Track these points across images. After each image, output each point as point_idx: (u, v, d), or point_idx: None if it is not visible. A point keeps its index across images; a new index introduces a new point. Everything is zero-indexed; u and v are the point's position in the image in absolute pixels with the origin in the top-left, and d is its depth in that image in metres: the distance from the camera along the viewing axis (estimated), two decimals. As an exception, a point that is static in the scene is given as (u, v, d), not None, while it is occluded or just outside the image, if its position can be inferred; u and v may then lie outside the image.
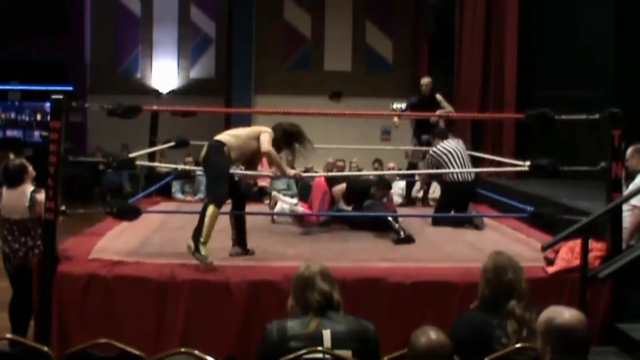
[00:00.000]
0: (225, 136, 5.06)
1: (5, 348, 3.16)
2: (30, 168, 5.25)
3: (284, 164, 5.33)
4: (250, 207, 7.99)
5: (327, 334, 2.90)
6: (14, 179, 5.12)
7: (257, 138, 5.04)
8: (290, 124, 5.33)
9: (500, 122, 9.67)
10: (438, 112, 8.02)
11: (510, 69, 9.60)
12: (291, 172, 5.38)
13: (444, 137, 7.11)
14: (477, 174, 7.15)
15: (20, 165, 5.21)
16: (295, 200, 7.01)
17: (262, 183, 10.40)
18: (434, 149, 7.00)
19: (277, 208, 6.84)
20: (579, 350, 2.34)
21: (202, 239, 4.51)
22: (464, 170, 6.73)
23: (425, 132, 8.51)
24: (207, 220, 4.55)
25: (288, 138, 5.26)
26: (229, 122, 14.71)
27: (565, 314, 2.36)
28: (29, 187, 5.11)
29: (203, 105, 11.69)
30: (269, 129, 5.14)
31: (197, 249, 4.50)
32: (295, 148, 5.32)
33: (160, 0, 15.89)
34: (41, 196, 4.91)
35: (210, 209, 4.58)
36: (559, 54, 9.52)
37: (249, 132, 5.14)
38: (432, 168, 7.00)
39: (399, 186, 9.06)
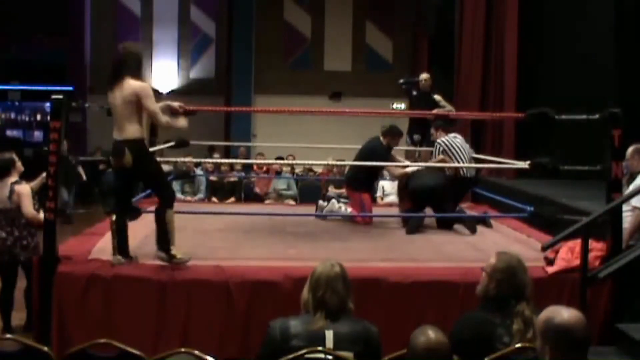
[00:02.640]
0: (131, 127, 4.44)
1: (5, 348, 3.15)
2: (19, 163, 5.55)
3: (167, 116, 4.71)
4: (250, 207, 7.99)
5: (329, 335, 2.90)
6: (1, 172, 5.43)
7: (137, 99, 4.42)
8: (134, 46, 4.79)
9: (500, 122, 9.68)
10: (435, 111, 8.01)
11: (510, 69, 9.61)
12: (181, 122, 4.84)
13: (447, 130, 6.94)
14: (477, 171, 7.16)
15: (8, 159, 5.51)
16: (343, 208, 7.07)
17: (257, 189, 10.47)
18: (444, 139, 6.76)
19: (328, 208, 6.95)
20: (577, 349, 2.34)
21: (172, 247, 4.51)
22: (471, 165, 6.77)
23: (417, 132, 8.50)
24: (168, 226, 4.52)
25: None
26: (229, 122, 14.80)
27: (563, 314, 2.36)
28: (12, 179, 5.43)
29: (203, 106, 11.69)
30: (143, 86, 4.48)
31: (172, 257, 4.49)
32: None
33: (160, 0, 15.89)
34: (20, 187, 5.35)
35: (168, 214, 4.54)
36: (559, 54, 9.52)
37: (130, 100, 4.41)
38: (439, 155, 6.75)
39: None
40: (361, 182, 6.86)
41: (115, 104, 4.49)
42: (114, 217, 4.61)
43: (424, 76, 8.63)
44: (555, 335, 2.34)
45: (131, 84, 4.44)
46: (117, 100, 4.46)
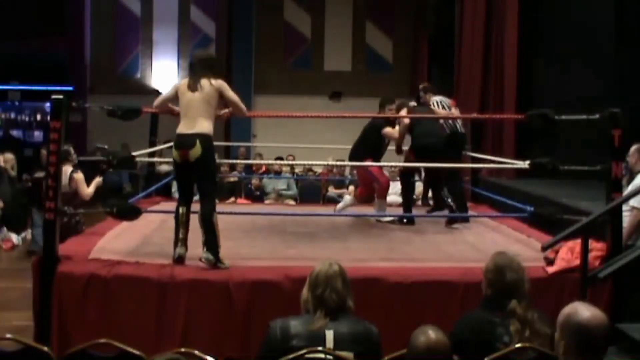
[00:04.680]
0: (206, 122, 4.63)
1: (5, 348, 3.16)
2: (74, 155, 6.77)
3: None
4: (250, 207, 8.00)
5: (329, 335, 2.90)
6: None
7: (219, 95, 4.73)
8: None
9: (500, 122, 9.68)
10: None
11: (510, 69, 9.60)
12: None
13: (435, 92, 7.25)
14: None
15: (65, 151, 6.26)
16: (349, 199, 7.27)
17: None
18: (436, 98, 7.08)
19: (340, 206, 7.13)
20: (593, 351, 2.29)
21: (219, 249, 4.55)
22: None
23: None
24: (217, 230, 4.56)
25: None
26: (229, 122, 14.78)
27: (586, 313, 2.31)
28: (69, 168, 6.56)
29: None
30: (223, 82, 4.77)
31: (219, 260, 4.52)
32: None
33: (160, 0, 15.89)
34: (77, 175, 6.66)
35: (215, 217, 4.58)
36: (559, 54, 9.52)
37: (212, 96, 4.68)
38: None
39: (399, 186, 9.05)
40: (360, 152, 6.82)
41: (192, 99, 4.63)
42: (182, 210, 4.66)
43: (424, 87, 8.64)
44: (573, 333, 2.30)
45: (216, 80, 4.69)
46: (196, 96, 4.63)
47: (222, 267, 4.52)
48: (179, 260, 4.61)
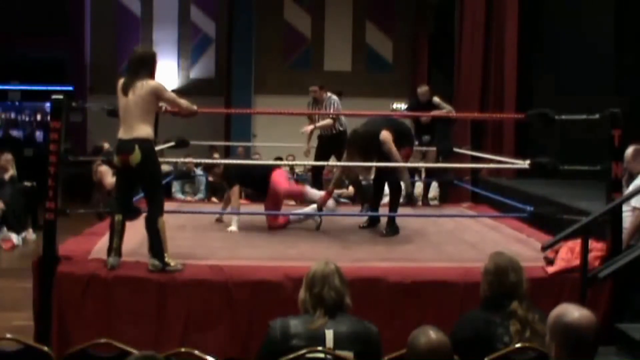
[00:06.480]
0: (144, 126, 4.46)
1: (5, 348, 3.16)
2: (106, 148, 7.49)
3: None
4: (250, 207, 7.98)
5: (329, 334, 2.90)
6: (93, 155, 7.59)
7: (157, 98, 4.55)
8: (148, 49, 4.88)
9: (500, 122, 9.69)
10: (435, 112, 8.05)
11: (510, 69, 9.62)
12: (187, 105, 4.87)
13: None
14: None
15: (99, 147, 7.81)
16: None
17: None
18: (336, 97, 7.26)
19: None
20: (583, 351, 2.31)
21: (166, 254, 4.48)
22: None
23: (425, 132, 8.55)
24: (162, 234, 4.49)
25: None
26: (229, 122, 14.79)
27: (574, 313, 2.33)
28: (98, 163, 7.44)
29: (203, 105, 11.66)
30: (159, 83, 4.59)
31: (167, 264, 4.45)
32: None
33: (160, 0, 15.89)
34: (101, 167, 7.48)
35: (160, 222, 4.51)
36: (558, 54, 9.52)
37: (147, 100, 4.47)
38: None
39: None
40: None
41: (127, 104, 4.47)
42: (118, 217, 4.56)
43: (422, 90, 8.65)
44: (563, 334, 2.32)
45: (148, 83, 4.49)
46: (131, 100, 4.46)
47: (173, 270, 4.45)
48: (112, 270, 4.46)
